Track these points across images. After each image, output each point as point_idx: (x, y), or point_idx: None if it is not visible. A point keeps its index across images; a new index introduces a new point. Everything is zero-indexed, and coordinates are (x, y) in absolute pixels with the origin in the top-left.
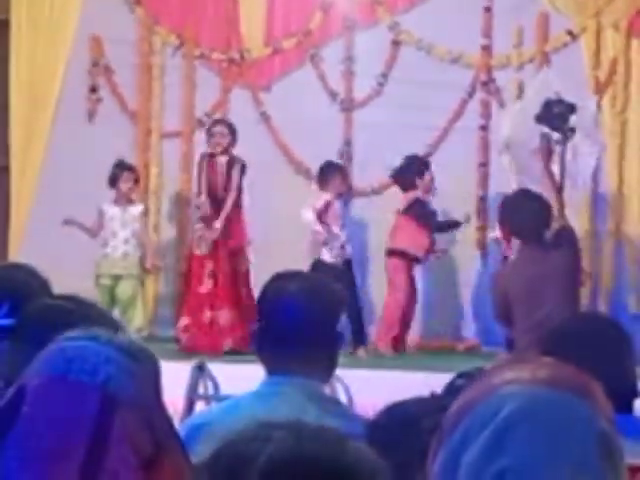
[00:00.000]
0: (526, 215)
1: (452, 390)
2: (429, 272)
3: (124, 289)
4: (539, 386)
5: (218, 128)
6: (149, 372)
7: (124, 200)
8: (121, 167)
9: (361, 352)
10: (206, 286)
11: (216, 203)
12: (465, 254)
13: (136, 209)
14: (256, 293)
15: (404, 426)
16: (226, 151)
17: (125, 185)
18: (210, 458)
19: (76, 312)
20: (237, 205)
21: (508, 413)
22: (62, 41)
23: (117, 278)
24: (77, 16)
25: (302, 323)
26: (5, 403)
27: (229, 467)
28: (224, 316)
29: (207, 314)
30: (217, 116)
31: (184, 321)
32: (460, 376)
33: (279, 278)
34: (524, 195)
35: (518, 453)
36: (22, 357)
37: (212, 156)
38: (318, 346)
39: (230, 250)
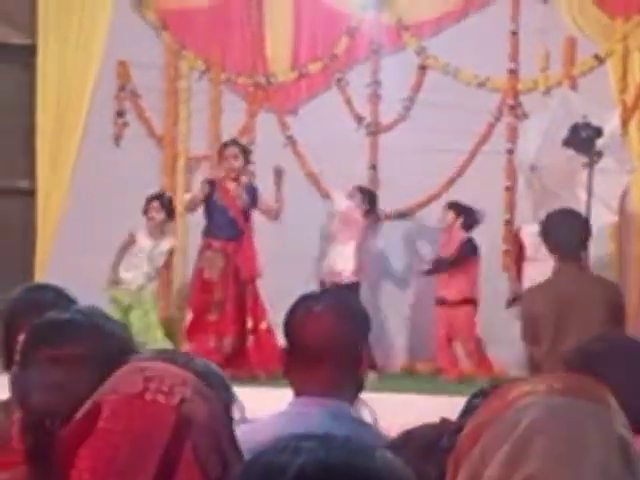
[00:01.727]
0: (564, 232)
1: (469, 410)
2: None
3: (135, 318)
4: (555, 396)
5: (230, 150)
6: (222, 397)
7: (156, 232)
8: (150, 197)
9: (371, 375)
10: (213, 314)
11: (230, 230)
12: (491, 277)
13: (166, 244)
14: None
15: (423, 448)
16: (238, 175)
17: (154, 215)
18: (241, 469)
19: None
20: (249, 236)
21: (527, 424)
22: (89, 66)
23: (129, 307)
24: (104, 41)
25: (330, 343)
26: (81, 417)
27: (260, 478)
28: (227, 343)
29: (212, 342)
30: (243, 140)
31: (187, 347)
32: (476, 396)
33: (306, 299)
34: (566, 213)
35: (541, 461)
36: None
37: (222, 181)
38: (345, 366)
39: (241, 280)
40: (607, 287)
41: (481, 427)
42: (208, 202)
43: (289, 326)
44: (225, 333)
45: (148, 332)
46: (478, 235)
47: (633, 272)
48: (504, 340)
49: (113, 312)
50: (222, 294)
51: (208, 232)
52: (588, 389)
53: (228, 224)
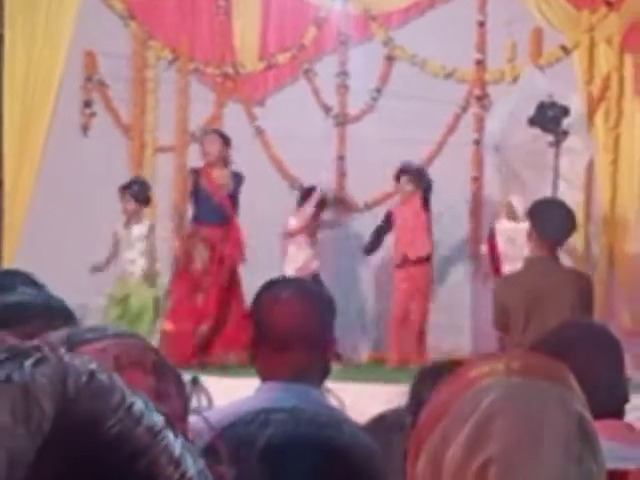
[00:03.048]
0: (555, 222)
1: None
2: None
3: (133, 303)
4: (515, 376)
5: (210, 138)
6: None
7: (130, 220)
8: (121, 187)
9: (335, 366)
10: (196, 300)
11: (217, 216)
12: (457, 266)
13: (142, 228)
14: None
15: (396, 430)
16: (221, 162)
17: (127, 205)
18: (210, 441)
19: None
20: (236, 222)
21: (487, 404)
22: (56, 55)
23: (127, 297)
24: (71, 30)
25: (297, 329)
26: None
27: (229, 449)
28: (206, 327)
29: (192, 325)
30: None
31: (167, 325)
32: (422, 376)
33: (271, 285)
34: (555, 203)
35: (501, 442)
36: None
37: (205, 169)
38: (312, 352)
39: (225, 267)
40: (578, 279)
41: (441, 407)
42: (195, 190)
43: (256, 312)
44: (206, 317)
45: (142, 316)
46: (447, 226)
47: (599, 264)
48: (464, 327)
49: (111, 310)
50: (207, 279)
51: (195, 219)
52: (546, 368)
53: (214, 210)
